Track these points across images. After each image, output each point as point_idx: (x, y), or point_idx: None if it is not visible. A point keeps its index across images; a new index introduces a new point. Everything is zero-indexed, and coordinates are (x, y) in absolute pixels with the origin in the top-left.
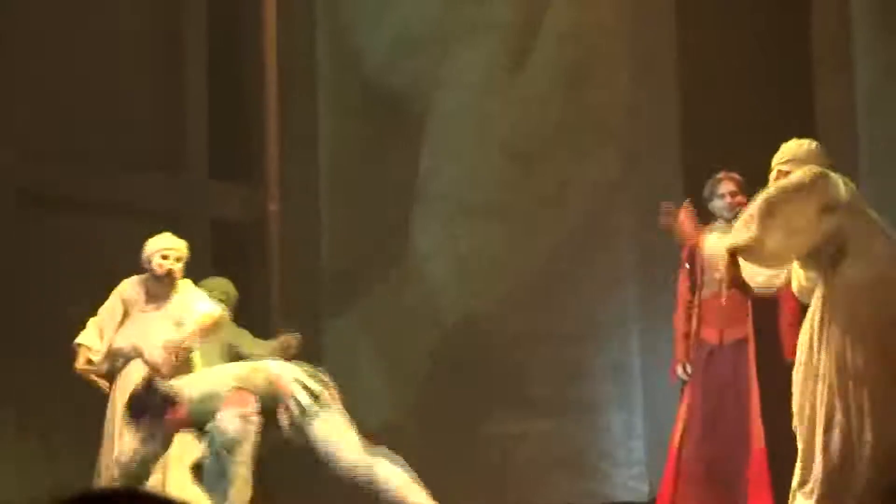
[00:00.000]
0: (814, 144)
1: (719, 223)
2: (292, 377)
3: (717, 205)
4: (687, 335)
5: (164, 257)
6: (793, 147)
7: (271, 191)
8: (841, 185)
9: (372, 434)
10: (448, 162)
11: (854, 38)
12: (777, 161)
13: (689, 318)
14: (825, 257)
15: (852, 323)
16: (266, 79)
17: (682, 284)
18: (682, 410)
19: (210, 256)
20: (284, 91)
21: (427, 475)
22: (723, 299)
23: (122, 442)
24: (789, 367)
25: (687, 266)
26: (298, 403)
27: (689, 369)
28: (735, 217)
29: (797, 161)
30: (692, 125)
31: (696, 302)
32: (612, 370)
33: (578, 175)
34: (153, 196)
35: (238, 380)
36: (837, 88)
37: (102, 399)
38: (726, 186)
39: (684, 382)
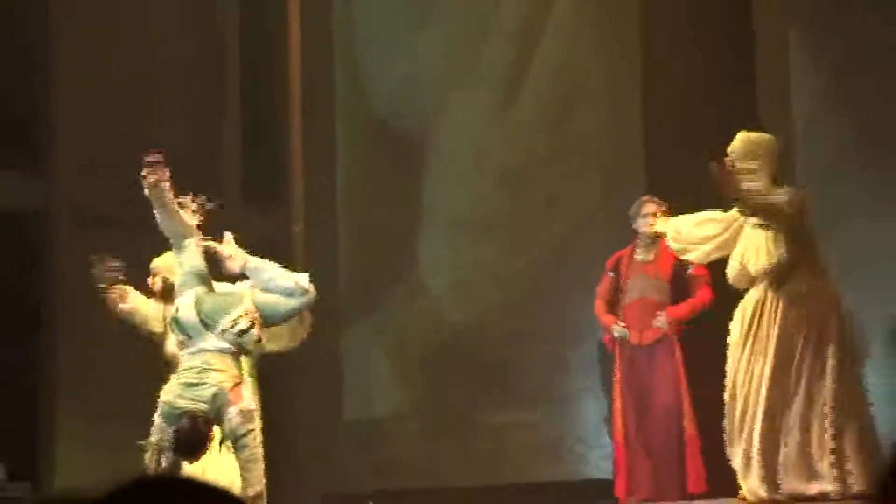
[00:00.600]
0: (765, 139)
1: (642, 240)
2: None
3: (640, 223)
4: (606, 311)
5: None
6: (745, 141)
7: (295, 212)
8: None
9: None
10: (449, 185)
11: (791, 72)
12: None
13: (602, 305)
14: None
15: (796, 324)
16: (291, 113)
17: (602, 286)
18: (617, 406)
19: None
20: (307, 124)
21: (430, 458)
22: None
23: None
24: (708, 358)
25: (610, 274)
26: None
27: (620, 325)
28: (654, 236)
29: (750, 156)
30: (656, 151)
31: (620, 305)
32: (587, 365)
33: (563, 195)
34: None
35: (235, 378)
36: (778, 116)
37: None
38: (648, 208)
39: (612, 373)
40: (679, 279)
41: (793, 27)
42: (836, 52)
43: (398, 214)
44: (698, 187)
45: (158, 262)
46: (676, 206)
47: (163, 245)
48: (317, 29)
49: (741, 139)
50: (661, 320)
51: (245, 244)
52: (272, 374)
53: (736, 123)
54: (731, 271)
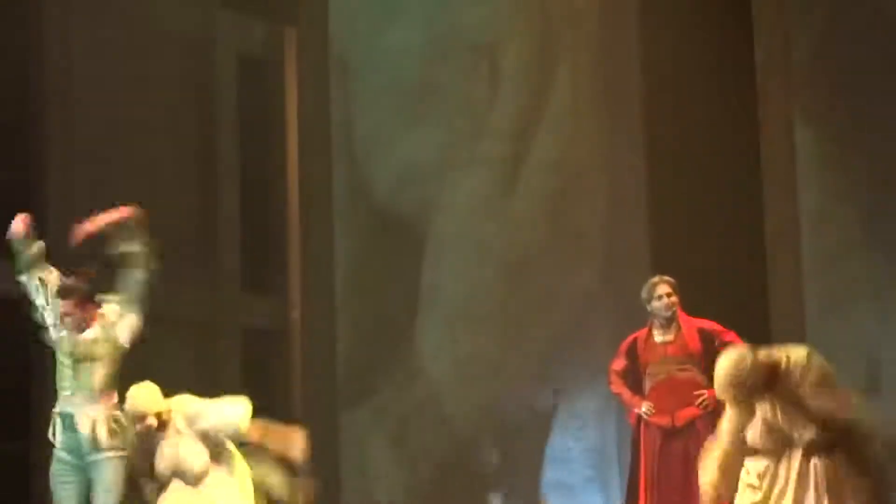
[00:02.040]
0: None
1: (659, 321)
2: None
3: (655, 305)
4: (624, 391)
5: None
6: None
7: (293, 300)
8: None
9: None
10: (448, 275)
11: (798, 166)
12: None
13: (621, 383)
14: None
15: None
16: (290, 202)
17: (617, 366)
18: (643, 492)
19: (239, 362)
20: (305, 213)
21: None
22: None
23: None
24: None
25: (625, 359)
26: None
27: (646, 407)
28: (671, 316)
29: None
30: (659, 244)
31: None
32: (591, 455)
33: (561, 287)
34: (190, 307)
35: None
36: (784, 207)
37: None
38: (663, 289)
39: (636, 458)
40: (709, 353)
41: (798, 117)
42: (840, 145)
43: (397, 302)
44: (703, 278)
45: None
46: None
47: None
48: (315, 121)
49: None
50: (704, 400)
51: (244, 330)
52: None
53: (742, 215)
54: None
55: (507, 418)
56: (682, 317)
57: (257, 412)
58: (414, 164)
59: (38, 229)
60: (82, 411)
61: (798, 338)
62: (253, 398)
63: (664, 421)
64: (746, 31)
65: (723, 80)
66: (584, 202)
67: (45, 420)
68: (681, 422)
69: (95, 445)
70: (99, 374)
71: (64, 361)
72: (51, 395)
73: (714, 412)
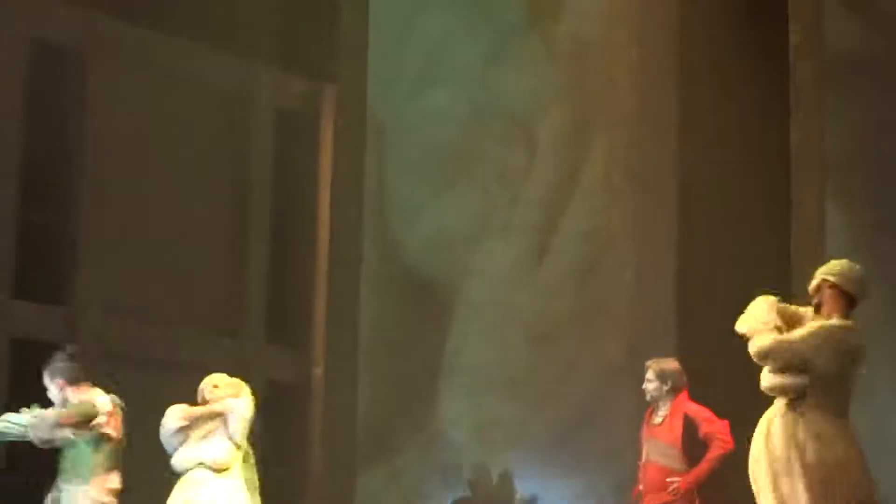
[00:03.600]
0: (860, 271)
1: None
2: None
3: (648, 387)
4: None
5: None
6: (843, 266)
7: (315, 356)
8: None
9: None
10: (474, 341)
11: (828, 249)
12: (824, 272)
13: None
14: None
15: None
16: (318, 261)
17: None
18: None
19: (261, 414)
20: (332, 272)
21: None
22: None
23: None
24: None
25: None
26: None
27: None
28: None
29: (842, 277)
30: (686, 319)
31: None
32: None
33: (586, 358)
34: (215, 357)
35: None
36: (810, 254)
37: None
38: (648, 374)
39: None
40: (690, 439)
41: (831, 202)
42: (871, 224)
43: (420, 365)
44: (730, 351)
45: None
46: (707, 371)
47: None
48: (348, 179)
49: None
50: (673, 487)
51: (266, 384)
52: None
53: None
54: None
55: (525, 486)
56: (678, 402)
57: (276, 465)
58: (445, 228)
59: (71, 274)
60: None
61: None
62: (273, 451)
63: (647, 501)
64: (784, 111)
65: (758, 159)
66: (612, 274)
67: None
68: None
69: None
70: None
71: None
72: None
73: (687, 502)
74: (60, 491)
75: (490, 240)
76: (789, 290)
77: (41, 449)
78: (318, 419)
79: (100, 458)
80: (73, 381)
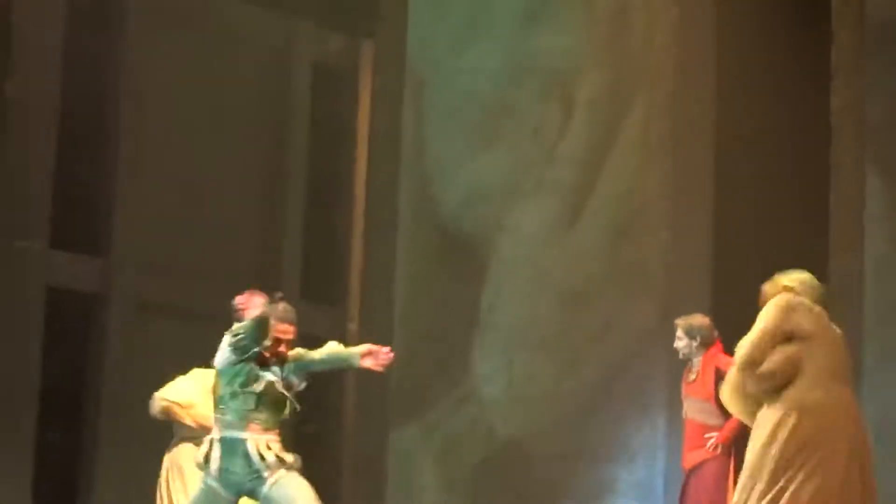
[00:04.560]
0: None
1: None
2: None
3: (678, 346)
4: None
5: None
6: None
7: (351, 312)
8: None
9: None
10: (508, 299)
11: (867, 214)
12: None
13: None
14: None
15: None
16: (354, 217)
17: None
18: None
19: None
20: (369, 227)
21: None
22: None
23: None
24: None
25: None
26: None
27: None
28: (686, 358)
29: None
30: (723, 280)
31: None
32: (639, 487)
33: (620, 318)
34: None
35: None
36: (849, 255)
37: None
38: (677, 332)
39: None
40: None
41: (870, 164)
42: None
43: (455, 322)
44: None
45: None
46: (744, 332)
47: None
48: (386, 136)
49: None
50: (711, 444)
51: (301, 338)
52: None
53: (806, 259)
54: None
55: (557, 446)
56: (709, 357)
57: (311, 421)
58: (481, 185)
59: (107, 226)
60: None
61: (854, 387)
62: (305, 407)
63: (683, 463)
64: (824, 76)
65: (796, 124)
66: (647, 235)
67: (98, 414)
68: (689, 465)
69: None
70: None
71: None
72: (104, 390)
73: (725, 456)
74: None
75: (525, 197)
76: (826, 252)
77: None
78: (352, 376)
79: None
80: None
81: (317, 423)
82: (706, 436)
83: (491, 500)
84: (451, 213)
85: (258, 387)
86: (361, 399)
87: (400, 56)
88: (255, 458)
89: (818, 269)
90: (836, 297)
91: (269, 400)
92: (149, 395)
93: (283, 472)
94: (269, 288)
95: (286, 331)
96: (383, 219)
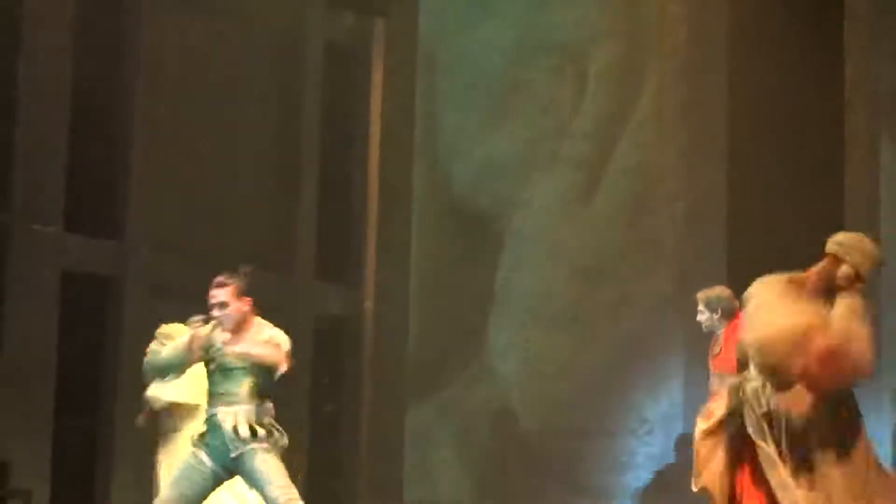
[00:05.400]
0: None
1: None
2: None
3: (700, 319)
4: None
5: None
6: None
7: (367, 290)
8: None
9: None
10: (523, 274)
11: (882, 187)
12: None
13: None
14: None
15: None
16: (368, 195)
17: None
18: None
19: (312, 347)
20: (384, 205)
21: None
22: None
23: None
24: None
25: None
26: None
27: None
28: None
29: (852, 250)
30: (738, 252)
31: None
32: (657, 460)
33: (636, 291)
34: (264, 292)
35: None
36: (865, 227)
37: None
38: (698, 306)
39: None
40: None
41: (884, 134)
42: None
43: (470, 298)
44: None
45: None
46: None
47: None
48: (399, 114)
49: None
50: None
51: (316, 317)
52: (335, 446)
53: (821, 229)
54: None
55: (574, 420)
56: (731, 329)
57: (328, 400)
58: (495, 161)
59: (122, 205)
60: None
61: None
62: (323, 386)
63: None
64: (836, 48)
65: (810, 95)
66: (662, 208)
67: (114, 398)
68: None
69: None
70: None
71: None
72: (119, 372)
73: None
74: None
75: (539, 173)
76: (841, 222)
77: None
78: (368, 353)
79: None
80: None
81: (334, 403)
82: None
83: (507, 476)
84: (465, 190)
85: (212, 365)
86: (378, 378)
87: (412, 34)
88: (228, 432)
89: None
90: (854, 226)
91: (221, 374)
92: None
93: (255, 446)
94: (283, 268)
95: (211, 296)
96: (397, 197)
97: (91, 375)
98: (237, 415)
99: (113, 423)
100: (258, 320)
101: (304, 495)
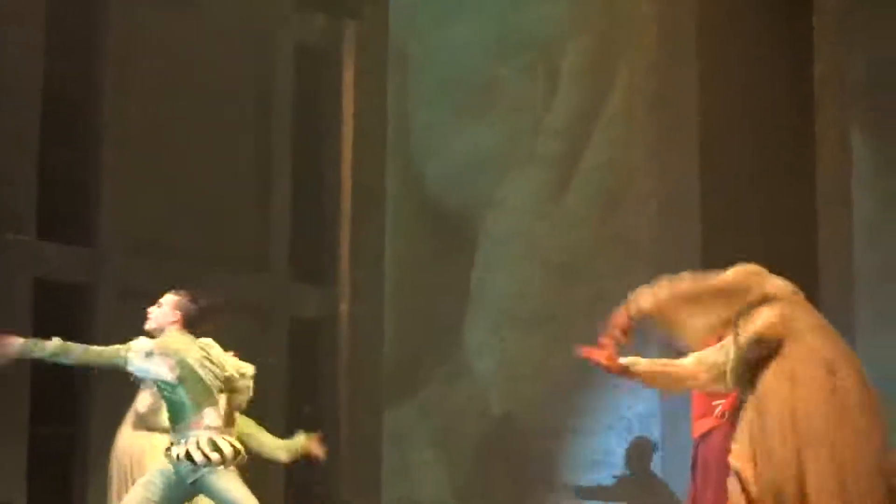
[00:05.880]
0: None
1: None
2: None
3: None
4: None
5: None
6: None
7: (342, 292)
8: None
9: None
10: (498, 274)
11: (854, 177)
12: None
13: None
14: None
15: None
16: (342, 196)
17: None
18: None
19: (287, 349)
20: (357, 206)
21: None
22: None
23: None
24: None
25: None
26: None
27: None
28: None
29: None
30: (712, 247)
31: None
32: (635, 458)
33: (611, 289)
34: (240, 294)
35: None
36: (838, 220)
37: None
38: None
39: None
40: None
41: (855, 128)
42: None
43: (446, 299)
44: None
45: None
46: None
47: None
48: (371, 114)
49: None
50: (718, 411)
51: (292, 319)
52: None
53: (795, 223)
54: None
55: (551, 419)
56: None
57: (305, 402)
58: (468, 160)
59: (94, 211)
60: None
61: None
62: (300, 388)
63: (692, 431)
64: (806, 42)
65: (780, 89)
66: (635, 205)
67: (90, 406)
68: (697, 433)
69: None
70: None
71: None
72: (97, 382)
73: (732, 423)
74: None
75: (512, 171)
76: (814, 216)
77: None
78: (345, 355)
79: None
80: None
81: (312, 406)
82: (713, 403)
83: (487, 475)
84: (439, 190)
85: None
86: (355, 380)
87: (383, 34)
88: (182, 458)
89: (807, 234)
90: (826, 259)
91: (163, 402)
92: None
93: (211, 469)
94: (258, 270)
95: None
96: (371, 197)
97: (66, 384)
98: (189, 442)
99: (89, 432)
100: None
101: (283, 498)
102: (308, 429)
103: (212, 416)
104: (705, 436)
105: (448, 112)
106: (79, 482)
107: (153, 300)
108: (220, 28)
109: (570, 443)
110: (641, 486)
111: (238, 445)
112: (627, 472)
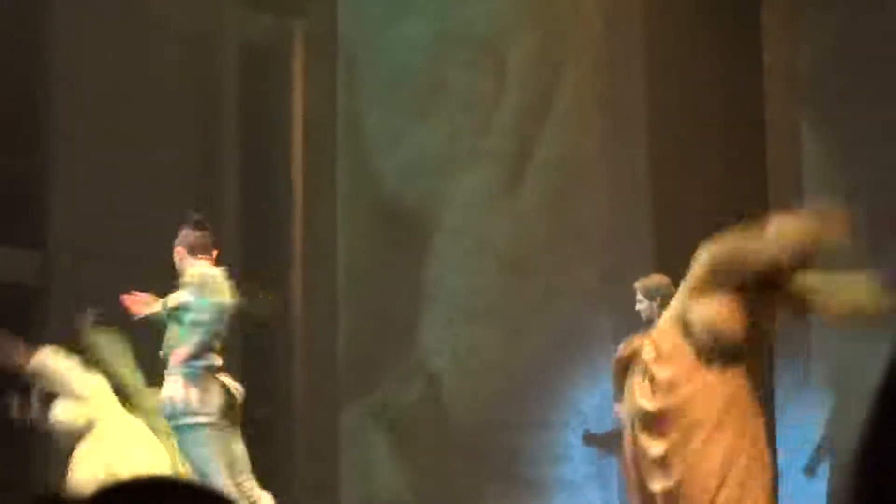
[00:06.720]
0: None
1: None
2: None
3: (640, 308)
4: None
5: None
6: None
7: (294, 291)
8: None
9: None
10: (451, 271)
11: (804, 171)
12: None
13: None
14: None
15: None
16: (293, 196)
17: None
18: None
19: (241, 351)
20: (309, 207)
21: None
22: None
23: None
24: None
25: None
26: None
27: None
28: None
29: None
30: (665, 241)
31: None
32: (593, 453)
33: (563, 283)
34: None
35: None
36: (788, 202)
37: None
38: (638, 294)
39: None
40: None
41: (804, 122)
42: (845, 141)
43: (399, 296)
44: None
45: None
46: None
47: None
48: (320, 114)
49: None
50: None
51: (243, 324)
52: (269, 451)
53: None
54: None
55: (508, 415)
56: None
57: (260, 405)
58: (419, 158)
59: (43, 214)
60: None
61: (799, 345)
62: (255, 390)
63: None
64: (754, 35)
65: (729, 82)
66: (586, 200)
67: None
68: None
69: None
70: None
71: None
72: None
73: None
74: None
75: (463, 168)
76: (766, 207)
77: None
78: (299, 355)
79: None
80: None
81: (267, 408)
82: None
83: (444, 472)
84: (391, 188)
85: None
86: (310, 380)
87: (331, 33)
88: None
89: (759, 225)
90: None
91: None
92: None
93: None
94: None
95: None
96: (323, 197)
97: (21, 390)
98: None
99: (46, 438)
100: None
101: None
102: (264, 432)
103: None
104: None
105: (398, 110)
106: (39, 485)
107: (103, 303)
108: (165, 29)
109: (529, 437)
110: (601, 480)
111: None
112: (587, 466)
